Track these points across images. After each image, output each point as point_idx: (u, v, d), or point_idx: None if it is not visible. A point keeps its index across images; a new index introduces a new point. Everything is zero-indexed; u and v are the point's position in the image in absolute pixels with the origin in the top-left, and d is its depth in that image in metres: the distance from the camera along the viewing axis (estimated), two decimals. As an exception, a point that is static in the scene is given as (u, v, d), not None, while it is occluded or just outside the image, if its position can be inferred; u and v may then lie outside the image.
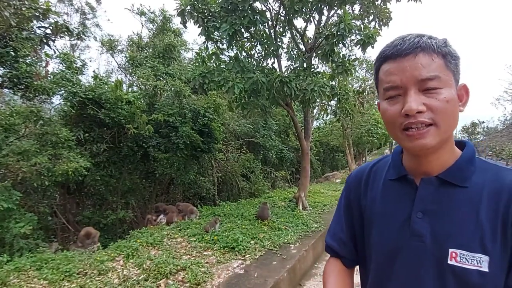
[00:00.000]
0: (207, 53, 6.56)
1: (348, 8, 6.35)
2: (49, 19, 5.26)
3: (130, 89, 9.59)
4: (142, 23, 11.10)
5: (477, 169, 0.84)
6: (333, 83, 6.93)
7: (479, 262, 0.76)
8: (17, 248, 5.01)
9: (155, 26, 10.74)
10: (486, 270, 0.76)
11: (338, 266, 1.07)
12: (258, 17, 5.71)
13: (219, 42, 6.51)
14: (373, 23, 6.55)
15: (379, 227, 0.92)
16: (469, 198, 0.81)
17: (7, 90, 7.10)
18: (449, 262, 0.79)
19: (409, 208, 0.86)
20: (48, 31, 5.16)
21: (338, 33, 5.15)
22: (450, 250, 0.79)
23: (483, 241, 0.77)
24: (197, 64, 7.18)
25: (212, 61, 6.43)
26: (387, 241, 0.89)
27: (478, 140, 28.61)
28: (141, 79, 8.65)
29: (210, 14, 5.92)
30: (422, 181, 0.86)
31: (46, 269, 3.29)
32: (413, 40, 0.79)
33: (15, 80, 6.27)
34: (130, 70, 10.55)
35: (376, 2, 6.25)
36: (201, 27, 5.93)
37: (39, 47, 5.72)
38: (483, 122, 28.45)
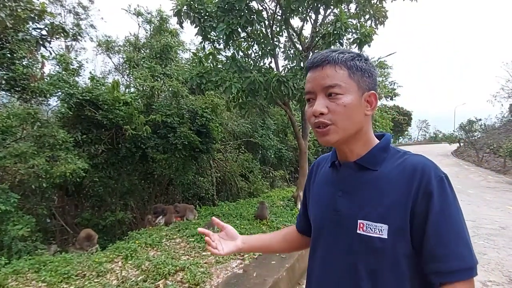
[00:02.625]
0: (204, 53, 6.56)
1: (344, 7, 6.36)
2: (44, 20, 5.24)
3: (127, 90, 9.55)
4: (139, 24, 11.08)
5: (388, 155, 1.01)
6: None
7: (380, 231, 0.91)
8: (15, 250, 4.99)
9: (152, 27, 10.72)
10: (385, 237, 0.91)
11: (291, 228, 1.38)
12: (254, 16, 5.71)
13: (216, 42, 6.50)
14: (369, 22, 6.56)
15: (314, 205, 1.14)
16: (378, 179, 0.97)
17: (4, 92, 7.09)
18: (357, 231, 0.95)
19: (334, 189, 1.05)
20: (44, 32, 5.14)
21: (335, 32, 5.16)
22: (359, 221, 0.95)
23: (384, 213, 0.92)
24: (194, 64, 7.18)
25: (209, 61, 6.42)
26: (318, 216, 1.10)
27: (476, 138, 28.71)
28: (138, 80, 8.62)
29: (207, 14, 5.92)
30: (342, 165, 1.06)
31: (45, 272, 3.28)
32: (323, 55, 0.98)
33: (11, 82, 6.25)
34: (127, 71, 10.53)
35: (372, 1, 6.26)
36: (198, 27, 5.92)
37: (35, 48, 5.69)
38: (480, 119, 28.55)
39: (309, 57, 1.07)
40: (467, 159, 27.24)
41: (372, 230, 0.92)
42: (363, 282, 0.93)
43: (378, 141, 1.06)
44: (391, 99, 15.26)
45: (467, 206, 9.00)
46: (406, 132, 46.46)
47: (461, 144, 33.33)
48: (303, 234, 1.31)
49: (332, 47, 5.75)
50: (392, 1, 6.47)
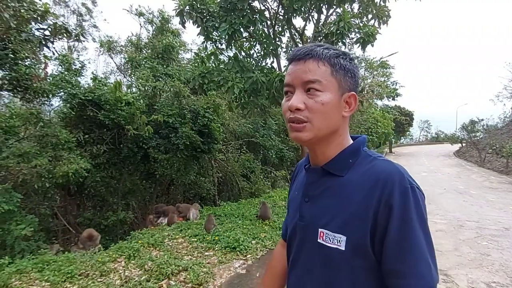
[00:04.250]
0: (206, 53, 6.56)
1: (347, 6, 6.35)
2: (47, 20, 5.25)
3: (129, 90, 9.56)
4: (140, 24, 11.10)
5: (358, 160, 0.94)
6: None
7: (338, 242, 0.87)
8: (18, 250, 5.00)
9: (154, 27, 10.73)
10: (343, 249, 0.86)
11: (279, 247, 1.26)
12: (257, 16, 5.70)
13: (218, 42, 6.50)
14: (372, 21, 6.54)
15: (289, 211, 1.11)
16: (342, 185, 0.92)
17: (6, 92, 7.10)
18: (318, 240, 0.91)
19: (303, 194, 1.01)
20: (47, 32, 5.15)
21: (338, 31, 5.15)
22: (319, 230, 0.91)
23: (344, 223, 0.87)
24: (196, 64, 7.17)
25: (211, 61, 6.43)
26: (289, 223, 1.06)
27: (478, 138, 28.63)
28: (140, 80, 8.63)
29: (209, 14, 5.92)
30: (308, 171, 1.01)
31: (48, 271, 3.29)
32: (308, 49, 0.93)
33: (14, 82, 6.26)
34: (129, 71, 10.55)
35: (376, 0, 6.24)
36: (200, 27, 5.92)
37: (38, 49, 5.70)
38: (483, 119, 28.44)
39: (293, 50, 0.98)
40: (469, 160, 27.14)
41: (330, 241, 0.88)
42: None
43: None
44: (393, 99, 15.22)
45: (470, 207, 8.96)
46: (408, 132, 46.34)
47: (463, 144, 33.21)
48: None
49: (335, 47, 5.76)
50: (395, 0, 6.46)
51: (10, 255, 4.41)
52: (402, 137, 47.88)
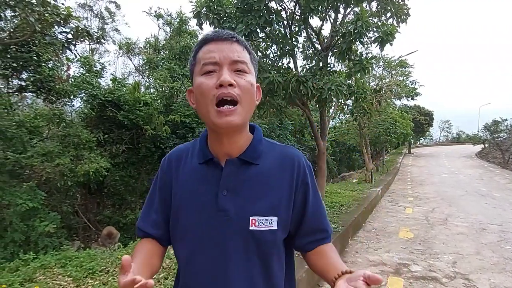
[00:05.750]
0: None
1: (365, 5, 6.25)
2: (70, 24, 5.42)
3: (147, 90, 9.75)
4: (159, 26, 11.29)
5: (265, 148, 1.01)
6: (350, 81, 6.84)
7: (270, 223, 0.94)
8: (41, 246, 5.18)
9: (171, 29, 10.89)
10: (275, 228, 0.95)
11: (147, 245, 1.06)
12: (273, 16, 5.70)
13: (234, 43, 6.53)
14: (390, 20, 6.43)
15: (189, 207, 0.99)
16: (261, 173, 0.97)
17: (30, 93, 7.36)
18: (250, 228, 0.93)
19: (215, 188, 0.96)
20: (70, 36, 5.31)
21: (355, 31, 5.08)
22: (251, 218, 0.93)
23: (273, 206, 0.95)
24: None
25: (228, 62, 6.45)
26: (196, 220, 0.97)
27: (502, 139, 27.68)
28: (158, 80, 8.79)
29: (226, 15, 5.95)
30: (226, 163, 0.97)
31: (70, 267, 3.38)
32: (231, 32, 0.94)
33: (38, 84, 6.50)
34: (147, 72, 10.74)
35: (394, -1, 6.13)
36: (216, 28, 5.97)
37: (61, 51, 5.89)
38: (506, 119, 27.51)
39: (208, 32, 0.97)
40: (492, 161, 26.30)
41: (263, 224, 0.94)
42: (258, 276, 0.95)
43: (251, 134, 1.03)
44: (412, 98, 14.89)
45: (492, 210, 8.69)
46: (428, 132, 45.27)
47: (486, 145, 32.21)
48: (162, 245, 1.08)
49: (353, 46, 5.69)
50: (414, -1, 6.32)
51: (34, 250, 4.57)
52: (421, 138, 46.83)
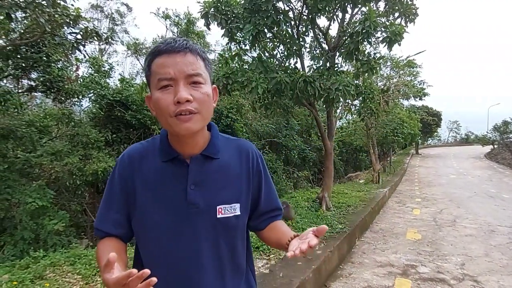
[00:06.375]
0: (230, 54, 6.61)
1: (373, 5, 6.23)
2: (79, 25, 5.47)
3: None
4: (166, 27, 11.36)
5: (221, 143, 1.09)
6: (358, 82, 6.82)
7: (234, 210, 1.05)
8: (50, 244, 5.23)
9: (179, 29, 10.95)
10: (239, 213, 1.06)
11: (112, 243, 1.06)
12: (281, 17, 5.70)
13: (242, 43, 6.55)
14: (398, 20, 6.39)
15: (156, 203, 1.02)
16: (222, 166, 1.07)
17: (40, 93, 7.46)
18: (217, 216, 1.02)
19: (183, 183, 1.01)
20: (79, 36, 5.36)
21: (363, 31, 5.06)
22: (218, 207, 1.02)
23: (235, 194, 1.06)
24: (220, 65, 7.25)
25: (235, 62, 6.47)
26: (165, 214, 1.01)
27: (511, 140, 27.30)
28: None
29: (233, 15, 5.97)
30: (192, 159, 1.03)
31: (79, 264, 3.43)
32: (183, 42, 0.96)
33: (47, 84, 6.58)
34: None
35: (402, -1, 6.10)
36: (224, 29, 5.99)
37: (71, 52, 5.95)
38: (517, 120, 27.11)
39: (161, 43, 0.98)
40: (501, 162, 25.96)
41: (229, 211, 1.04)
42: (226, 260, 1.05)
43: (208, 131, 1.09)
44: (420, 99, 14.75)
45: (502, 212, 8.58)
46: (436, 133, 44.81)
47: (495, 146, 31.80)
48: (124, 242, 1.10)
49: (361, 46, 5.66)
50: (422, -2, 6.27)
51: (43, 248, 4.63)
52: (429, 138, 46.39)
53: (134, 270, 0.73)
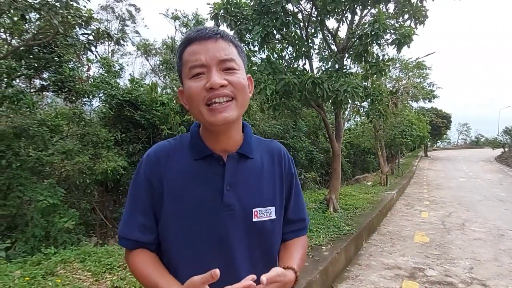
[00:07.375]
0: (239, 55, 6.64)
1: (383, 7, 6.21)
2: (91, 26, 5.57)
3: (164, 91, 9.89)
4: (175, 27, 11.45)
5: (254, 142, 1.04)
6: (366, 83, 6.79)
7: (270, 213, 0.99)
8: (61, 241, 5.31)
9: (188, 30, 11.03)
10: (274, 217, 1.01)
11: (149, 256, 0.99)
12: (290, 18, 5.72)
13: (250, 44, 6.58)
14: (408, 21, 6.35)
15: (187, 204, 0.94)
16: (256, 166, 1.01)
17: (51, 93, 7.59)
18: (253, 220, 0.97)
19: (218, 184, 0.95)
20: (91, 37, 5.45)
21: (372, 33, 5.05)
22: (254, 210, 0.97)
23: (270, 196, 1.01)
24: (229, 66, 7.31)
25: (243, 63, 6.50)
26: (199, 215, 0.94)
27: (523, 143, 26.86)
28: (174, 81, 8.90)
29: (243, 17, 6.01)
30: (228, 158, 0.97)
31: (89, 262, 3.49)
32: (214, 28, 0.92)
33: (59, 83, 6.69)
34: (164, 73, 10.90)
35: (412, 0, 6.06)
36: (234, 30, 6.02)
37: (82, 52, 6.05)
38: (528, 123, 26.67)
39: (191, 31, 0.93)
40: (512, 166, 25.54)
41: (264, 215, 0.98)
42: (261, 266, 0.96)
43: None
44: (429, 101, 14.64)
45: (512, 216, 8.46)
46: (445, 136, 44.31)
47: (506, 149, 31.31)
48: (152, 251, 1.01)
49: (370, 48, 5.65)
50: (433, 0, 6.23)
51: (53, 246, 4.71)
52: (438, 141, 45.89)
53: (216, 270, 0.79)
